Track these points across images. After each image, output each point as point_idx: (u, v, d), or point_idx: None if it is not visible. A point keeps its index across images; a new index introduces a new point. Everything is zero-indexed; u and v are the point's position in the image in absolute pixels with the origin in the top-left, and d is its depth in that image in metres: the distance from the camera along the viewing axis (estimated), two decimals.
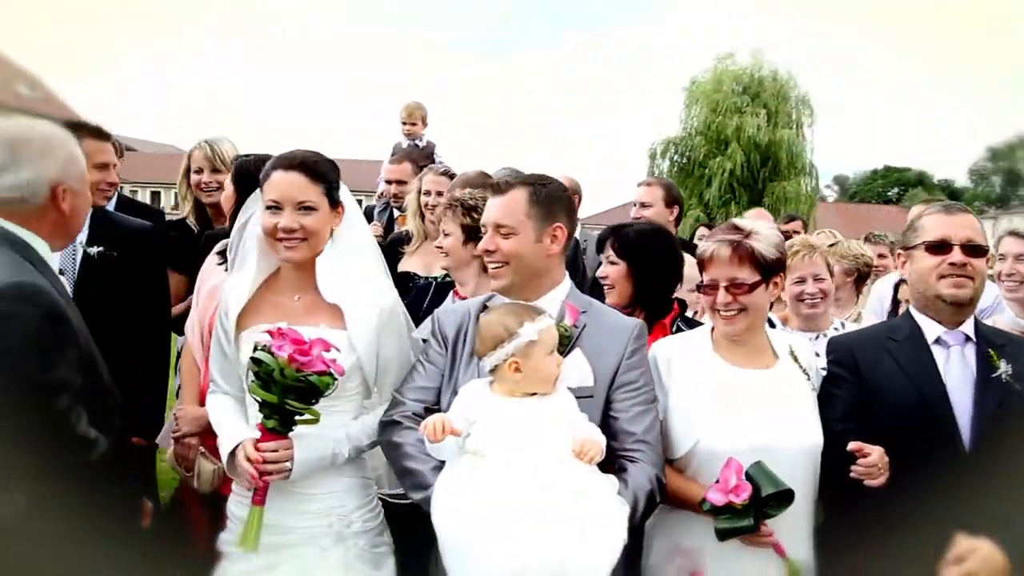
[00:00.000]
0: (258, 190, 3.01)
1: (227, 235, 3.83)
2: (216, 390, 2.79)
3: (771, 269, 2.60)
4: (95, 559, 2.24)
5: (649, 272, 3.26)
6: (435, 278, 4.29)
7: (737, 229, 2.64)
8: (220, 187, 4.26)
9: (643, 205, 5.05)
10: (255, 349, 2.40)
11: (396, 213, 5.69)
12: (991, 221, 40.90)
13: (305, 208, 2.59)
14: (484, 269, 3.90)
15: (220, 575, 2.63)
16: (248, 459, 2.45)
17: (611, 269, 3.27)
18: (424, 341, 2.85)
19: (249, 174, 3.34)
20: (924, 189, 69.30)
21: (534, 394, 2.35)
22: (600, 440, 2.33)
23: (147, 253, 3.81)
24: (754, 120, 31.83)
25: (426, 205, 4.57)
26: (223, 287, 2.86)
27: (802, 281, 3.59)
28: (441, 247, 3.81)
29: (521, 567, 2.10)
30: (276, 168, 2.63)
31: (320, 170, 2.65)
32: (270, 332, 2.40)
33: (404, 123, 6.71)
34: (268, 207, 2.61)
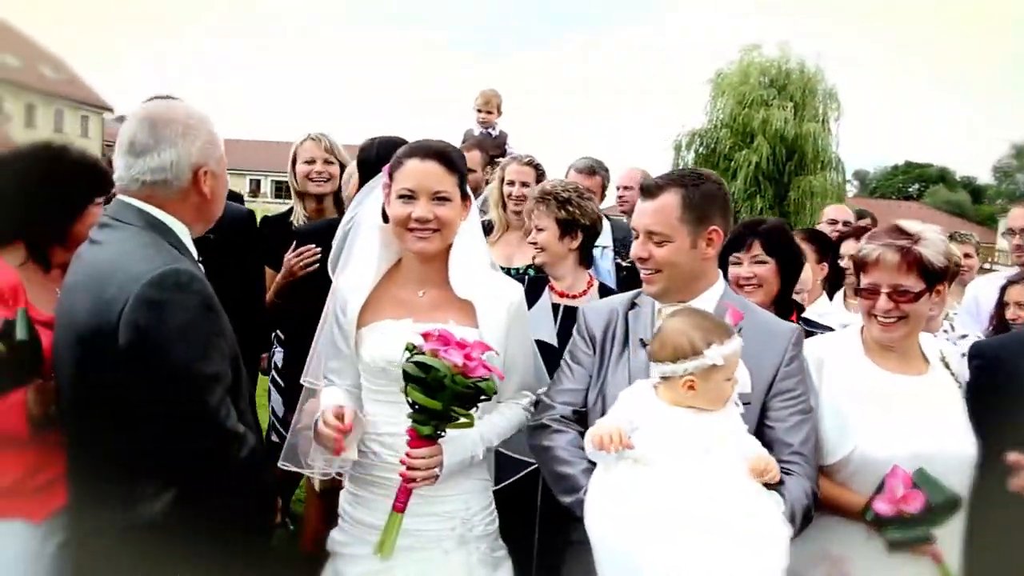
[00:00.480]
0: (370, 183, 2.92)
1: (319, 230, 3.76)
2: (330, 384, 2.68)
3: (937, 277, 2.45)
4: (235, 555, 2.18)
5: (795, 270, 3.18)
6: (517, 269, 4.22)
7: (904, 233, 2.47)
8: (331, 178, 4.24)
9: None
10: (408, 350, 2.26)
11: None
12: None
13: (440, 198, 2.48)
14: (580, 263, 3.84)
15: (333, 575, 2.56)
16: (329, 426, 2.34)
17: (761, 268, 3.13)
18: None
19: (369, 161, 3.26)
20: (946, 186, 68.75)
21: None
22: (771, 458, 2.23)
23: (244, 238, 3.74)
24: (781, 113, 31.43)
25: (509, 195, 4.50)
26: (336, 282, 2.77)
27: None
28: (535, 242, 3.71)
29: None
30: (411, 156, 2.52)
31: (454, 160, 2.55)
32: (426, 335, 2.26)
33: (480, 111, 6.58)
34: (401, 196, 2.50)
